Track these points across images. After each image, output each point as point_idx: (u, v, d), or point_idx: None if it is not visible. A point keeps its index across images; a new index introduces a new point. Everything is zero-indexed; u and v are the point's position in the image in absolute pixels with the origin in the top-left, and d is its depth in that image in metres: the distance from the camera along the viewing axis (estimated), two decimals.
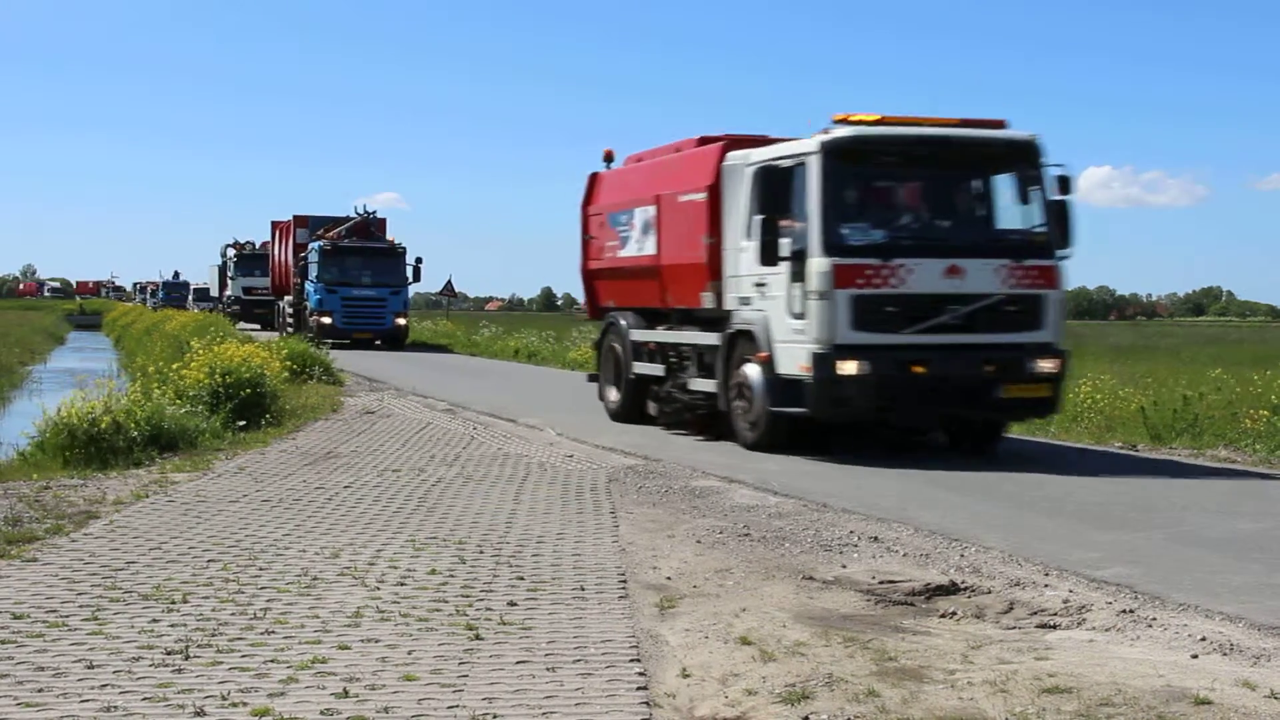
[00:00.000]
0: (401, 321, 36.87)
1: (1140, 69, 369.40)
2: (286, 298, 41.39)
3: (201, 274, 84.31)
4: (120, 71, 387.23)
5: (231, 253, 54.33)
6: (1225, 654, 5.57)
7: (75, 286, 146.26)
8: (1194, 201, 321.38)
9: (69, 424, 11.55)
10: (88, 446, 11.38)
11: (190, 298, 76.58)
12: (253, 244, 52.17)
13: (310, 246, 37.30)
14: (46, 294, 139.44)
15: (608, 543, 7.99)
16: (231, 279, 53.23)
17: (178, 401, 13.67)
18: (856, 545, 7.99)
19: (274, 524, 8.41)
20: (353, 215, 37.84)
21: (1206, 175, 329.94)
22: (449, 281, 63.79)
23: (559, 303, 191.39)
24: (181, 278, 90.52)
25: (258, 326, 47.61)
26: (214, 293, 63.14)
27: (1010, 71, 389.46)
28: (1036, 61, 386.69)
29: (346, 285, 35.46)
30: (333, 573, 6.96)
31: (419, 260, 37.30)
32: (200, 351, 16.35)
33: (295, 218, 40.61)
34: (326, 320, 35.14)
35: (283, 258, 42.11)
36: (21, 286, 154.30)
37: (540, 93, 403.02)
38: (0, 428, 18.72)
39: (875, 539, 8.16)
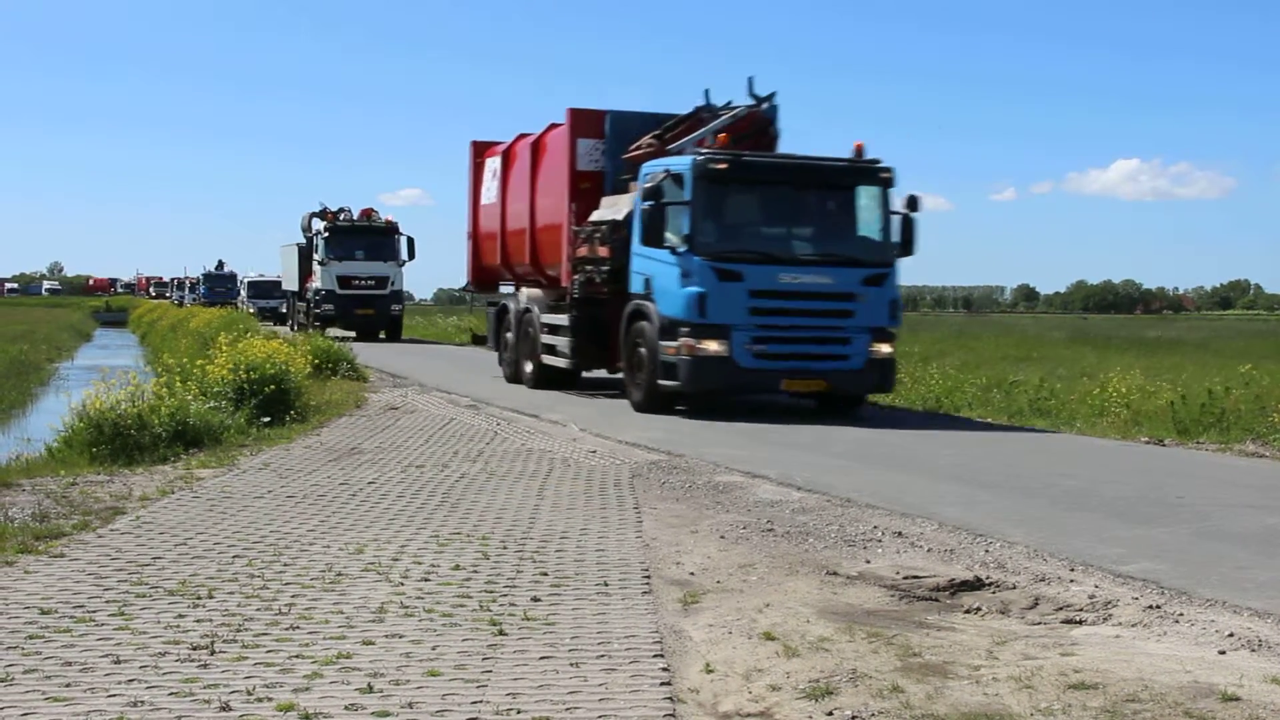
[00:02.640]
0: None
1: (1170, 62, 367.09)
2: (530, 293, 20.46)
3: (244, 264, 76.30)
4: (149, 69, 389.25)
5: (319, 225, 38.99)
6: (1253, 650, 5.53)
7: (90, 283, 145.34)
8: (1222, 194, 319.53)
9: (96, 419, 11.62)
10: (114, 442, 11.45)
11: (245, 293, 62.28)
12: (348, 212, 39.30)
13: None
14: (44, 292, 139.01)
15: (631, 538, 7.99)
16: (321, 264, 38.33)
17: (202, 398, 13.72)
18: (880, 540, 7.97)
19: (299, 520, 8.44)
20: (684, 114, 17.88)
21: (1235, 167, 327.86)
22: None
23: None
24: (227, 268, 76.61)
25: (353, 335, 36.56)
26: (289, 284, 45.71)
27: (1044, 64, 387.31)
28: (1067, 55, 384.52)
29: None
30: (357, 568, 6.99)
31: None
32: (224, 347, 16.42)
33: (574, 111, 18.38)
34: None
35: (515, 200, 20.54)
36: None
37: (563, 87, 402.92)
38: (28, 424, 18.87)
39: (899, 534, 8.14)
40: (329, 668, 5.14)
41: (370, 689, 4.87)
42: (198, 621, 5.84)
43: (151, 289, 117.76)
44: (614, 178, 17.93)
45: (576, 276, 17.72)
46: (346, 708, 4.67)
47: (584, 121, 18.19)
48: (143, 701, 4.71)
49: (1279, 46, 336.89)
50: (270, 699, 4.75)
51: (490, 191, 21.89)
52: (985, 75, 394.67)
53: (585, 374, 19.18)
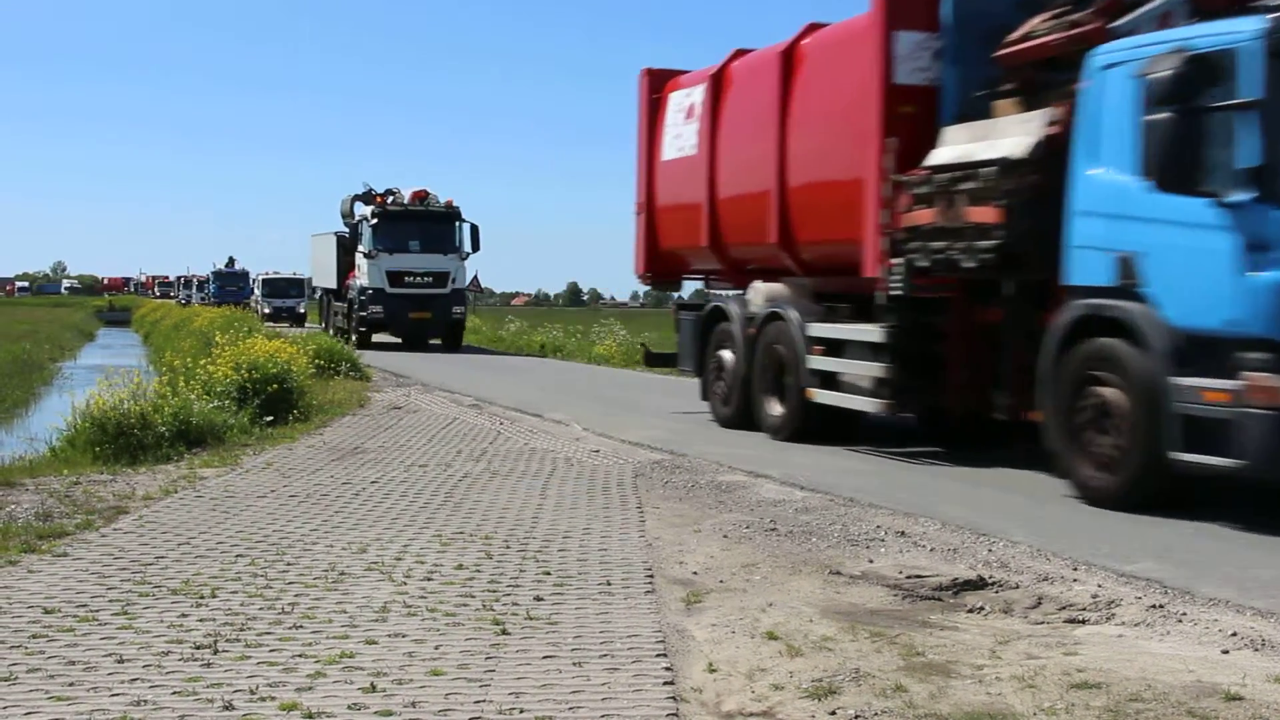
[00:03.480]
0: None
1: None
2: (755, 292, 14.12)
3: (246, 263, 69.86)
4: (149, 70, 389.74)
5: (364, 210, 32.61)
6: (1256, 649, 5.53)
7: (105, 283, 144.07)
8: None
9: (99, 419, 11.63)
10: (117, 441, 11.46)
11: (259, 292, 57.11)
12: (398, 194, 32.54)
13: None
14: (64, 291, 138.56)
15: (634, 537, 7.99)
16: (367, 256, 31.57)
17: (205, 397, 13.73)
18: (884, 540, 7.97)
19: (301, 519, 8.45)
20: None
21: None
22: (475, 277, 61.92)
23: (585, 297, 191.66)
24: (238, 265, 71.11)
25: (398, 341, 32.50)
26: (323, 281, 38.24)
27: None
28: None
29: None
30: (360, 567, 6.99)
31: None
32: (226, 347, 16.44)
33: None
34: None
35: (739, 146, 14.28)
36: (8, 288, 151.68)
37: (566, 89, 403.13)
38: (31, 424, 18.89)
39: (902, 534, 8.13)
40: (332, 667, 5.15)
41: (373, 688, 4.87)
42: (201, 621, 5.84)
43: (155, 288, 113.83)
44: (962, 94, 11.07)
45: (896, 261, 11.15)
46: (349, 707, 4.67)
47: (904, 6, 11.39)
48: (146, 701, 4.72)
49: None
50: (273, 698, 4.75)
51: (682, 138, 15.28)
52: None
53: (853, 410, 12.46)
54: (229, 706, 4.66)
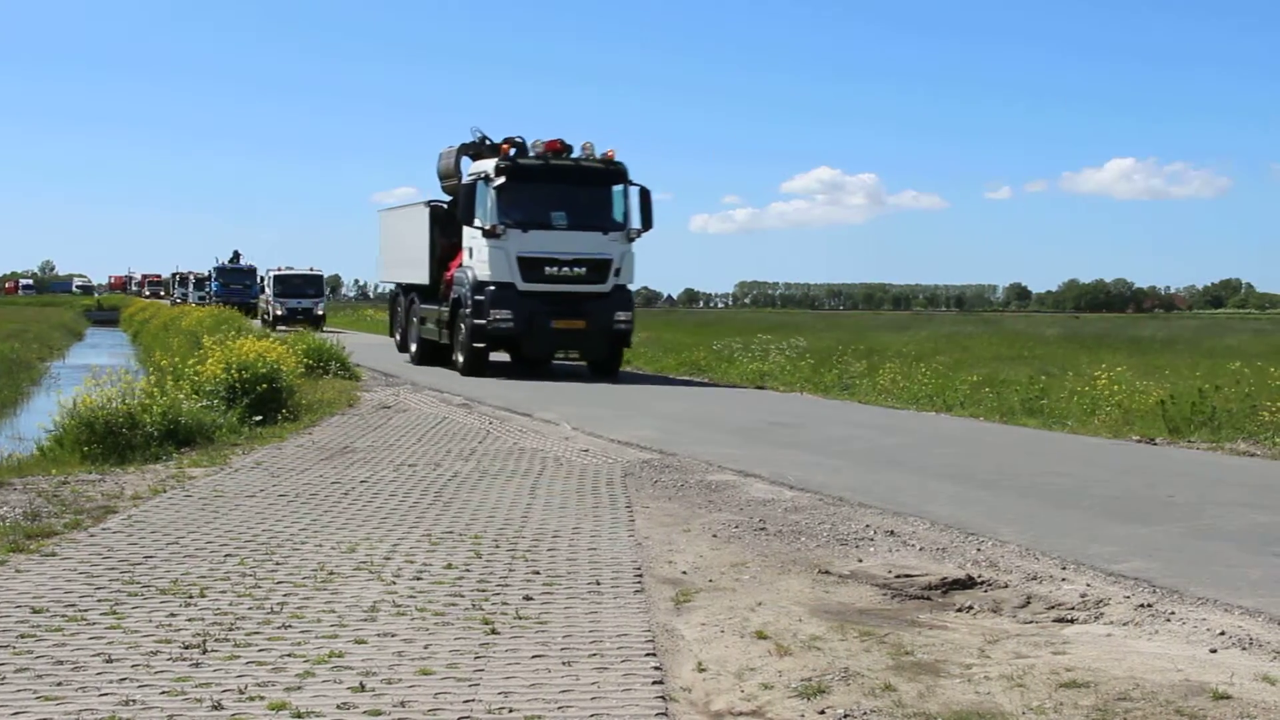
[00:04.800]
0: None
1: (1168, 63, 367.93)
2: None
3: (264, 261, 62.17)
4: (138, 70, 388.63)
5: (482, 166, 22.21)
6: (1244, 648, 5.55)
7: (111, 282, 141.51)
8: (1217, 193, 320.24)
9: (87, 418, 11.59)
10: (105, 441, 11.43)
11: (270, 291, 49.10)
12: (522, 144, 22.35)
13: None
14: (75, 290, 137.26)
15: (623, 537, 7.99)
16: (488, 235, 21.41)
17: (194, 397, 13.70)
18: (873, 539, 7.98)
19: (291, 519, 8.43)
20: None
21: (1230, 167, 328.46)
22: None
23: None
24: (244, 260, 62.06)
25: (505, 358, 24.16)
26: (402, 274, 27.17)
27: (1041, 65, 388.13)
28: (1064, 56, 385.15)
29: None
30: (349, 567, 6.98)
31: None
32: (215, 347, 16.40)
33: None
34: None
35: None
36: (7, 286, 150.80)
37: (556, 88, 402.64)
38: (19, 423, 18.83)
39: (891, 533, 8.15)
40: (321, 667, 5.14)
41: (362, 688, 4.87)
42: (190, 620, 5.83)
43: (146, 288, 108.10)
44: None
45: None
46: (339, 706, 4.66)
47: None
48: (134, 700, 4.71)
49: (1276, 49, 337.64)
50: (262, 698, 4.74)
51: None
52: (983, 76, 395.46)
53: None
54: (218, 706, 4.65)
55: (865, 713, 4.68)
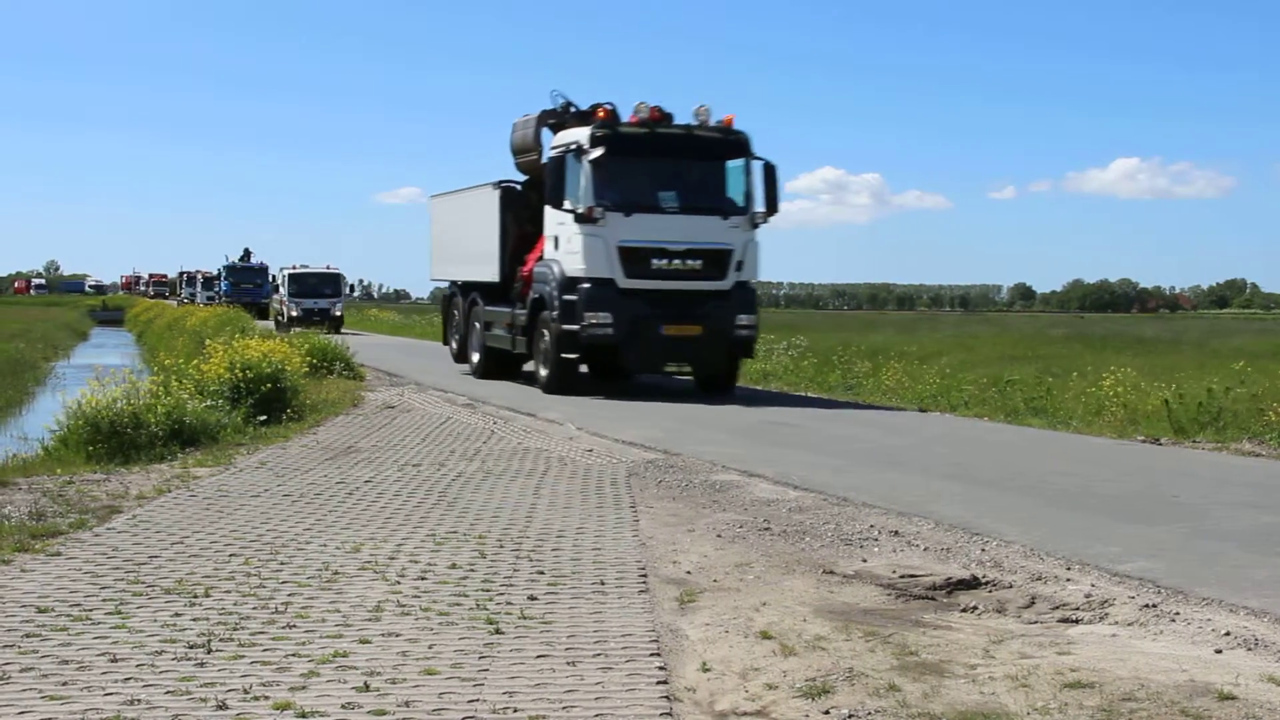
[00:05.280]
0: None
1: (1172, 64, 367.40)
2: None
3: (277, 259, 60.48)
4: (141, 70, 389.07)
5: (572, 136, 18.28)
6: (1249, 649, 5.54)
7: (123, 281, 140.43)
8: (1221, 193, 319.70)
9: (92, 418, 11.61)
10: (110, 441, 11.45)
11: (285, 290, 45.94)
12: (640, 109, 18.17)
13: None
14: (88, 289, 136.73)
15: (628, 537, 7.99)
16: (581, 220, 17.63)
17: (199, 397, 13.72)
18: (877, 539, 7.97)
19: (295, 518, 8.44)
20: None
21: (1235, 167, 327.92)
22: None
23: None
24: (255, 259, 59.34)
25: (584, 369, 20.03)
26: (462, 270, 23.08)
27: (1044, 65, 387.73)
28: (1068, 56, 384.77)
29: None
30: (354, 567, 6.98)
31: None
32: (219, 347, 16.42)
33: None
34: None
35: None
36: (16, 286, 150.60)
37: (561, 87, 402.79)
38: (24, 423, 18.86)
39: (896, 533, 8.14)
40: (325, 666, 5.14)
41: (367, 688, 4.87)
42: (194, 620, 5.84)
43: (150, 287, 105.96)
44: None
45: None
46: (343, 706, 4.66)
47: None
48: (139, 700, 4.71)
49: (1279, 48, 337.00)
50: (267, 697, 4.74)
51: None
52: (987, 76, 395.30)
53: None
54: (222, 706, 4.65)
55: (870, 713, 4.67)
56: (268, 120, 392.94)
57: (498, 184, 20.69)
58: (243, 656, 5.27)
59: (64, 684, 4.90)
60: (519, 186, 20.56)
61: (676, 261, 17.56)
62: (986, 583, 6.85)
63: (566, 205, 17.73)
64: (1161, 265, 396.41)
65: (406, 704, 4.70)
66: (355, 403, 16.87)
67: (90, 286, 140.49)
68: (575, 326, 17.53)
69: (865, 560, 7.39)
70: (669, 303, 17.50)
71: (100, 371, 13.10)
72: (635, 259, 17.44)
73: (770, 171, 17.98)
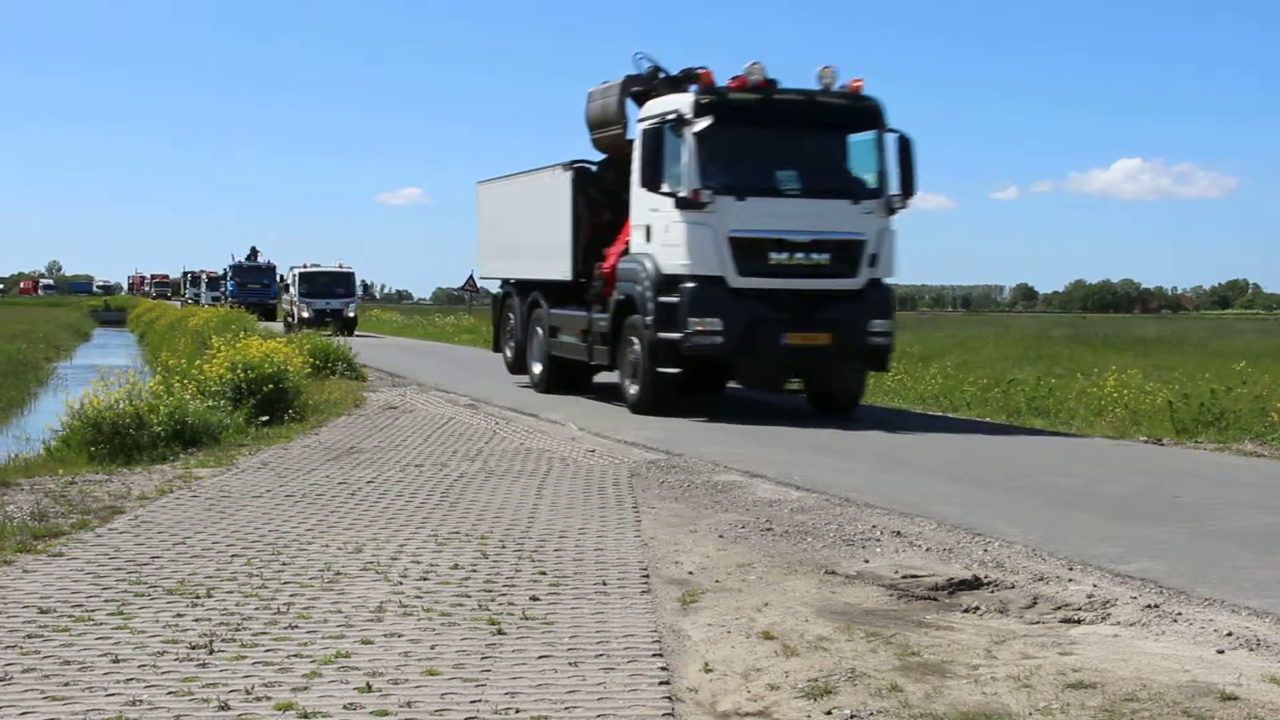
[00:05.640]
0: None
1: (1174, 64, 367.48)
2: None
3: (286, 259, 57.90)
4: (141, 70, 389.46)
5: (672, 105, 15.09)
6: (1252, 649, 5.53)
7: (131, 282, 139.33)
8: (1224, 194, 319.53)
9: (94, 418, 11.62)
10: (112, 441, 11.46)
11: (295, 290, 43.18)
12: (750, 72, 14.90)
13: None
14: (96, 290, 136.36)
15: (630, 537, 7.99)
16: (684, 206, 14.61)
17: (200, 397, 13.73)
18: (879, 540, 7.97)
19: (297, 519, 8.44)
20: None
21: (1238, 167, 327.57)
22: (471, 277, 56.43)
23: None
24: (262, 258, 57.13)
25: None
26: (517, 267, 20.13)
27: (1047, 65, 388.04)
28: (1070, 56, 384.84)
29: None
30: (356, 567, 6.99)
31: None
32: (222, 348, 16.43)
33: None
34: None
35: None
36: (22, 286, 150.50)
37: (561, 88, 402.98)
38: (27, 423, 18.88)
39: (898, 533, 8.14)
40: (327, 667, 5.14)
41: (369, 688, 4.87)
42: (196, 621, 5.84)
43: (152, 288, 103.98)
44: None
45: None
46: (345, 707, 4.67)
47: None
48: (141, 700, 4.71)
49: None
50: (269, 698, 4.75)
51: None
52: (989, 75, 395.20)
53: None
54: (224, 706, 4.66)
55: (872, 713, 4.67)
56: (268, 120, 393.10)
57: (569, 164, 17.71)
58: (245, 657, 5.27)
59: (66, 684, 4.91)
60: (593, 167, 17.72)
61: (799, 255, 14.72)
62: (988, 583, 6.84)
63: (665, 188, 14.83)
64: (1163, 266, 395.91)
65: (408, 704, 4.70)
66: (357, 403, 16.89)
67: (99, 287, 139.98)
68: (676, 335, 14.60)
69: (867, 561, 7.38)
70: (790, 305, 14.69)
71: (104, 372, 13.11)
72: (750, 252, 14.59)
73: (906, 146, 15.17)
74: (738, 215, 14.56)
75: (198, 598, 6.27)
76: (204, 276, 70.19)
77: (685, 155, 14.65)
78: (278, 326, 38.82)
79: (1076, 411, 16.40)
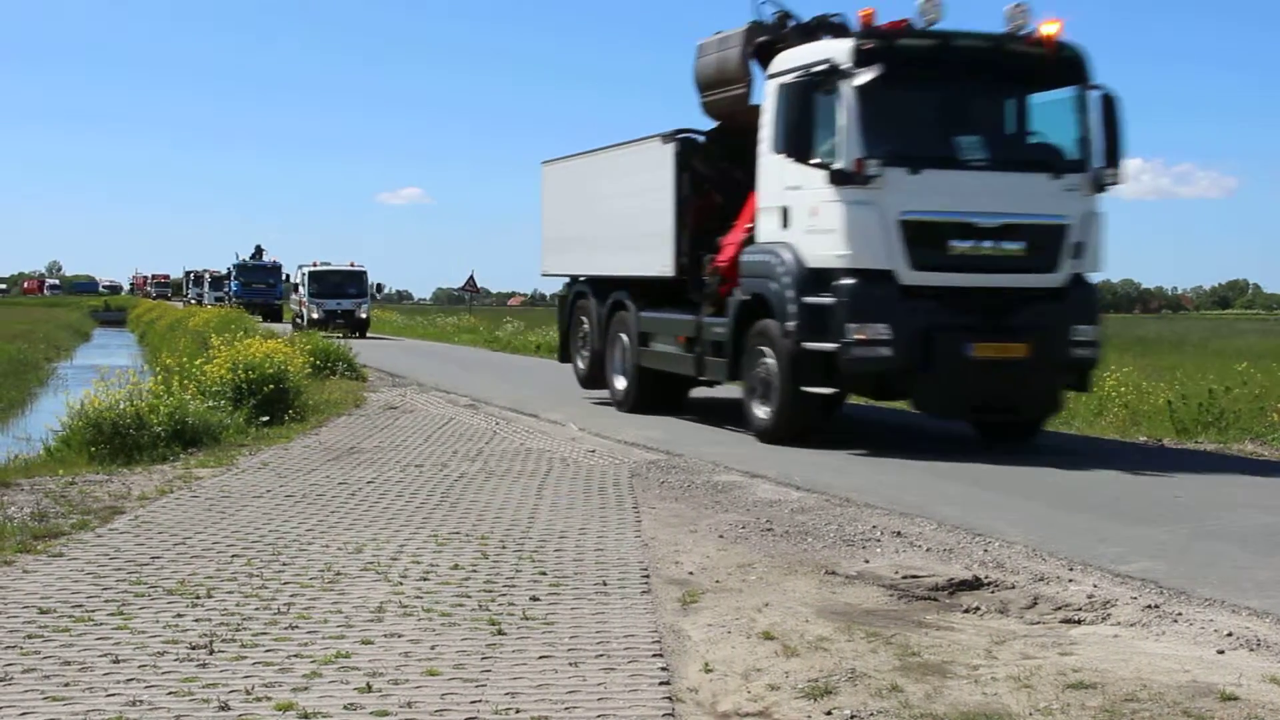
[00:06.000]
0: None
1: (1176, 64, 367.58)
2: None
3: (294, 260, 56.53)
4: (141, 70, 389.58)
5: (821, 54, 12.15)
6: (1251, 649, 5.54)
7: (135, 282, 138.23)
8: (1224, 194, 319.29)
9: (94, 419, 11.62)
10: (113, 442, 11.46)
11: (305, 290, 41.52)
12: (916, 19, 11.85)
13: None
14: (102, 290, 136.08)
15: (630, 538, 7.99)
16: (845, 179, 11.65)
17: (200, 397, 13.73)
18: (879, 540, 7.97)
19: (297, 519, 8.44)
20: None
21: (1238, 167, 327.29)
22: (471, 277, 55.22)
23: None
24: (267, 257, 55.57)
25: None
26: (594, 262, 17.16)
27: None
28: None
29: None
30: (356, 568, 6.99)
31: None
32: (222, 348, 16.44)
33: None
34: None
35: None
36: (26, 285, 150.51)
37: (561, 88, 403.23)
38: (27, 424, 18.88)
39: (898, 534, 8.14)
40: (328, 667, 5.14)
41: (369, 688, 4.87)
42: (196, 621, 5.84)
43: (153, 288, 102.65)
44: None
45: None
46: (345, 707, 4.67)
47: None
48: (141, 701, 4.71)
49: None
50: (269, 698, 4.75)
51: None
52: None
53: None
54: (225, 707, 4.66)
55: (872, 713, 4.67)
56: (268, 120, 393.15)
57: (671, 134, 14.81)
58: (245, 657, 5.27)
59: (66, 685, 4.91)
60: (700, 137, 14.92)
61: (987, 244, 11.83)
62: (989, 583, 6.84)
63: (816, 159, 11.84)
64: (1163, 266, 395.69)
65: (409, 705, 4.70)
66: (357, 403, 16.89)
67: (105, 287, 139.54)
68: (829, 345, 11.69)
69: (868, 561, 7.38)
70: (976, 307, 11.79)
71: (104, 372, 13.11)
72: (927, 240, 11.68)
73: (1112, 107, 12.27)
74: (912, 192, 11.61)
75: (198, 598, 6.27)
76: (207, 276, 68.77)
77: (843, 116, 11.66)
78: (282, 328, 37.44)
79: (1077, 411, 16.39)
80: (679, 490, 9.88)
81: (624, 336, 16.07)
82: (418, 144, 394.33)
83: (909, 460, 11.70)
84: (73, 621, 5.82)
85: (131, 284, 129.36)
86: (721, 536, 8.05)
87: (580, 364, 17.64)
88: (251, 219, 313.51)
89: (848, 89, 11.63)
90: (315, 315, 39.51)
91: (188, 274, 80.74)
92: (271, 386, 14.65)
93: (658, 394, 15.69)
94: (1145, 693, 4.83)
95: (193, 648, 5.39)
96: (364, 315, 40.87)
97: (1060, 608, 6.36)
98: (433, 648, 5.45)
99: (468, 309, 58.79)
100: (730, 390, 15.18)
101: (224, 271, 61.30)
